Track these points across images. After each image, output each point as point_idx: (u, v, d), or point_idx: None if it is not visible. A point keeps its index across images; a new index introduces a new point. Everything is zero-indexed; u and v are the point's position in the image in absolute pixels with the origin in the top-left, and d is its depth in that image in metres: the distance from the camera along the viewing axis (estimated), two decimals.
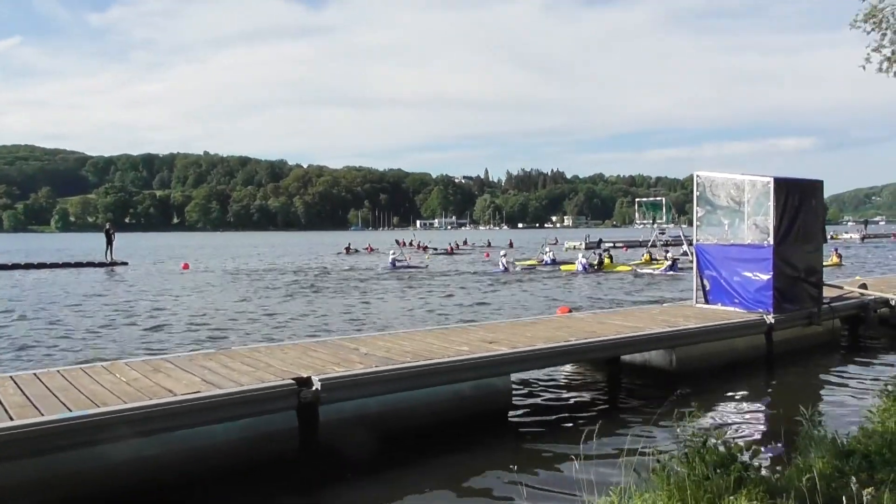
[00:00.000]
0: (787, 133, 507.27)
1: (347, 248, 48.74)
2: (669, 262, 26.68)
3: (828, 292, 11.15)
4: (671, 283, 22.56)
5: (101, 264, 32.85)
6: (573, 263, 28.41)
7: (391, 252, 34.10)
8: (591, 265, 27.43)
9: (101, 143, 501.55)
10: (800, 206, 9.99)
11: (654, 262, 29.29)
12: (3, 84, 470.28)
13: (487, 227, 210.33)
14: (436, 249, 47.18)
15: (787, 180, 9.92)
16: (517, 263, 30.76)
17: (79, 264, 32.91)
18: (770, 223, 9.62)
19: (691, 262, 14.25)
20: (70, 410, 4.84)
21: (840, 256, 29.94)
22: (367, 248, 49.23)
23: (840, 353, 10.44)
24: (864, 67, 5.77)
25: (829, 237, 42.57)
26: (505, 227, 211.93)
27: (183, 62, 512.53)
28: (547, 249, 34.88)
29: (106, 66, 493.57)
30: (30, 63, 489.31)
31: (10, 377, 5.97)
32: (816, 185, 10.65)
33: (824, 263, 25.80)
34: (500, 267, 28.56)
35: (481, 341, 7.66)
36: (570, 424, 6.78)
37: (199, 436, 5.17)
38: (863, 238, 63.03)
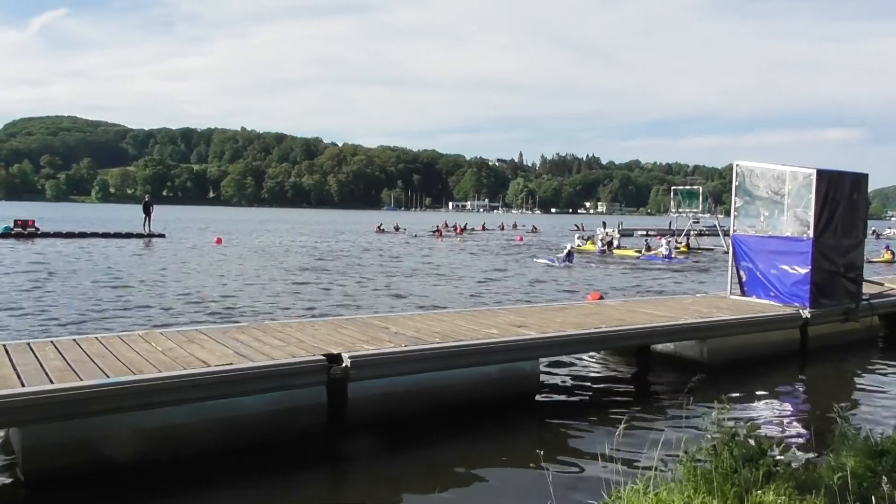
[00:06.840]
0: (833, 124, 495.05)
1: (379, 228, 49.57)
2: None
3: (868, 288, 10.90)
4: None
5: (139, 235, 33.54)
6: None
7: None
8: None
9: (141, 116, 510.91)
10: (842, 199, 9.74)
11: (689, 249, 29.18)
12: (49, 55, 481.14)
13: (520, 211, 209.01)
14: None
15: (830, 172, 9.67)
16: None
17: (118, 235, 33.61)
18: (810, 216, 9.41)
19: (726, 252, 14.05)
20: (108, 376, 4.98)
21: (893, 253, 29.14)
22: (394, 228, 50.06)
23: (877, 350, 10.22)
24: None
25: (870, 232, 41.68)
26: (538, 211, 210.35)
27: (224, 36, 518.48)
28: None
29: (149, 38, 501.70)
30: (75, 34, 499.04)
31: (52, 342, 6.15)
32: (860, 179, 10.37)
33: (876, 259, 25.16)
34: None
35: (510, 325, 7.66)
36: (598, 411, 6.75)
37: (230, 407, 5.28)
38: None
